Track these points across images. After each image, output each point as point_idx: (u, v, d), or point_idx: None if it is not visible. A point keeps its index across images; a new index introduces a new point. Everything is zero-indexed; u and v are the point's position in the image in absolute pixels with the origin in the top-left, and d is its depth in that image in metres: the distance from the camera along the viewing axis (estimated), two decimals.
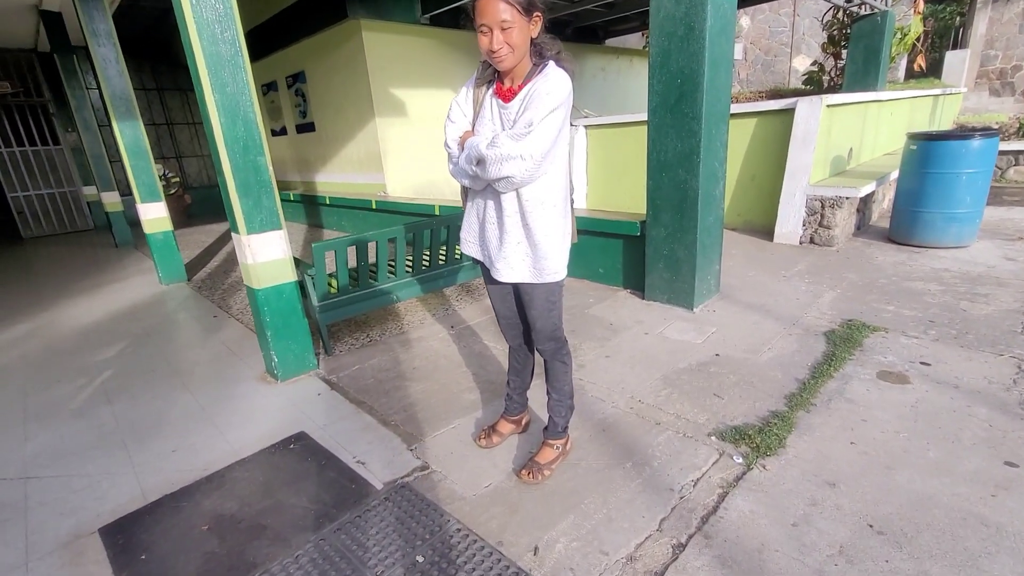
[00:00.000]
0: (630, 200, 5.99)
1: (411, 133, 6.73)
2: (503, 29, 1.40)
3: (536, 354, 2.00)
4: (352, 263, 3.15)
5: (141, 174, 4.75)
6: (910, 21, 7.62)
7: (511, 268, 1.64)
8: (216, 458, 2.13)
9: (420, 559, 1.54)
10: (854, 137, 5.43)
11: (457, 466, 1.97)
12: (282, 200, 8.46)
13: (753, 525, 1.60)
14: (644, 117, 5.80)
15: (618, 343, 2.96)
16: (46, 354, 3.47)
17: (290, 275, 2.66)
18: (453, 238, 3.53)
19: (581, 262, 4.08)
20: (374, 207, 6.27)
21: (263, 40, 7.49)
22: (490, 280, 1.81)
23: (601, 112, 7.28)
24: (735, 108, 5.21)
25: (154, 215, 4.86)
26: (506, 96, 1.55)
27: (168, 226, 4.98)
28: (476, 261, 1.81)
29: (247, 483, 1.95)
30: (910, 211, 4.31)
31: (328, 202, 7.22)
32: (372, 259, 3.37)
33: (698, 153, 3.05)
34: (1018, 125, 7.91)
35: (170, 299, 4.61)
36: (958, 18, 10.88)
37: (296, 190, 8.49)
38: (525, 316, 1.83)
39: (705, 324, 3.13)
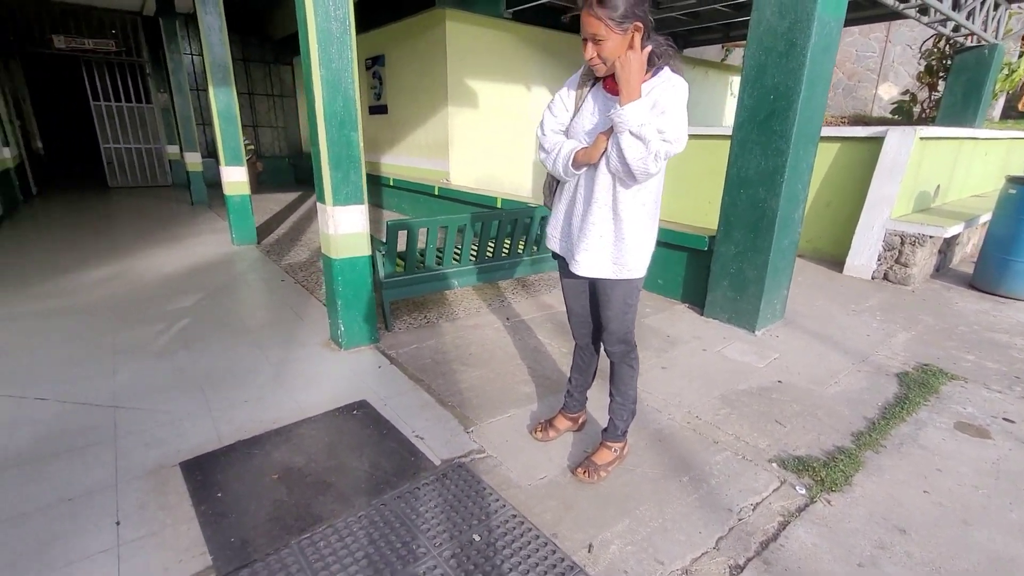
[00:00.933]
0: (693, 214, 5.87)
1: (480, 124, 6.81)
2: (595, 42, 1.45)
3: (601, 355, 2.00)
4: (421, 245, 3.23)
5: (229, 139, 5.01)
6: (1017, 57, 7.10)
7: (591, 261, 1.64)
8: (284, 414, 2.24)
9: (476, 538, 1.58)
10: (944, 174, 5.13)
11: (512, 455, 2.01)
12: None
13: (816, 559, 1.56)
14: (717, 131, 5.70)
15: (675, 356, 2.92)
16: (129, 297, 3.72)
17: (365, 249, 2.76)
18: (518, 232, 3.57)
19: None
20: (436, 193, 6.39)
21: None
22: (567, 274, 1.81)
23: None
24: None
25: (235, 178, 5.13)
26: (616, 92, 1.54)
27: (246, 190, 5.24)
28: (555, 256, 1.82)
29: (313, 441, 2.05)
30: (1000, 258, 4.04)
31: (391, 183, 7.41)
32: (439, 243, 3.44)
33: (782, 173, 2.96)
34: None
35: (241, 259, 4.85)
36: None
37: None
38: (598, 315, 1.83)
39: (767, 348, 3.04)
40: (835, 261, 4.83)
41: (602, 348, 1.91)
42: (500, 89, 6.85)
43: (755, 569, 1.52)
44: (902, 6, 4.54)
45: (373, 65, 7.95)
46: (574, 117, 1.65)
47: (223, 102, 4.87)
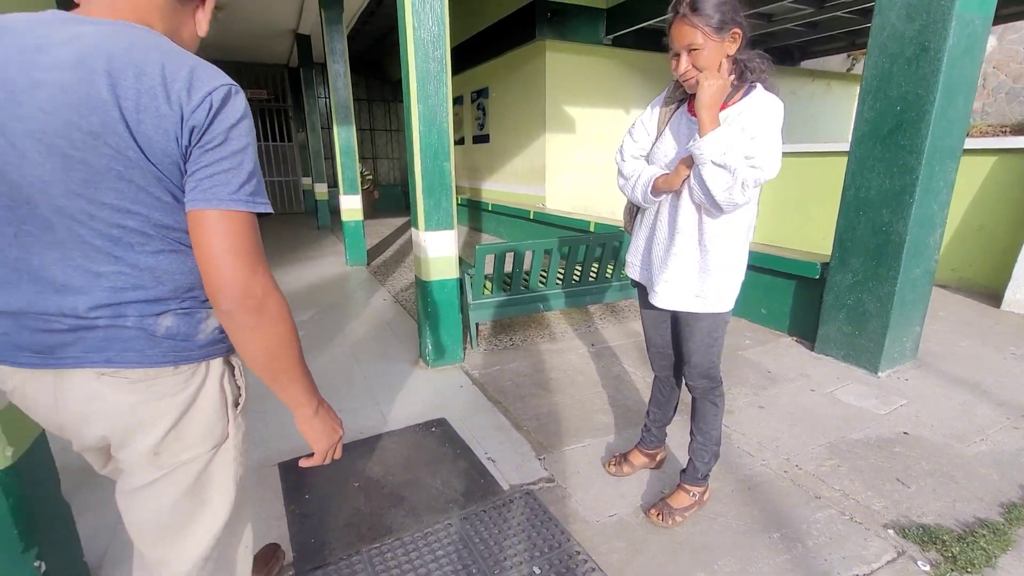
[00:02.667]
0: (802, 238, 5.35)
1: (576, 150, 6.86)
2: (691, 51, 1.36)
3: (683, 389, 1.88)
4: (508, 268, 3.31)
5: (347, 170, 5.58)
6: None
7: (673, 293, 1.55)
8: (370, 425, 2.39)
9: (537, 571, 1.55)
10: None
11: (583, 487, 1.94)
12: None
13: None
14: (834, 147, 5.17)
15: (775, 394, 2.65)
16: None
17: (454, 272, 2.89)
18: (607, 256, 3.50)
19: (741, 299, 3.72)
20: (531, 217, 6.52)
21: (457, 59, 8.29)
22: (646, 305, 1.74)
23: (784, 139, 6.63)
24: (967, 144, 4.36)
25: (351, 205, 5.68)
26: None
27: (360, 216, 5.77)
28: (635, 284, 1.76)
29: (393, 454, 2.16)
30: None
31: (490, 208, 7.70)
32: (527, 267, 3.49)
33: (912, 193, 2.60)
34: None
35: (352, 279, 5.32)
36: None
37: (464, 195, 9.22)
38: (679, 347, 1.73)
39: (892, 393, 2.64)
40: (989, 294, 4.09)
41: (684, 382, 1.80)
42: (598, 114, 6.86)
43: None
44: None
45: (478, 98, 8.41)
46: (656, 141, 1.59)
47: (344, 138, 5.45)
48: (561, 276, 3.41)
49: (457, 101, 9.21)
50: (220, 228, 0.77)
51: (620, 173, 1.65)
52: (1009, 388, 2.67)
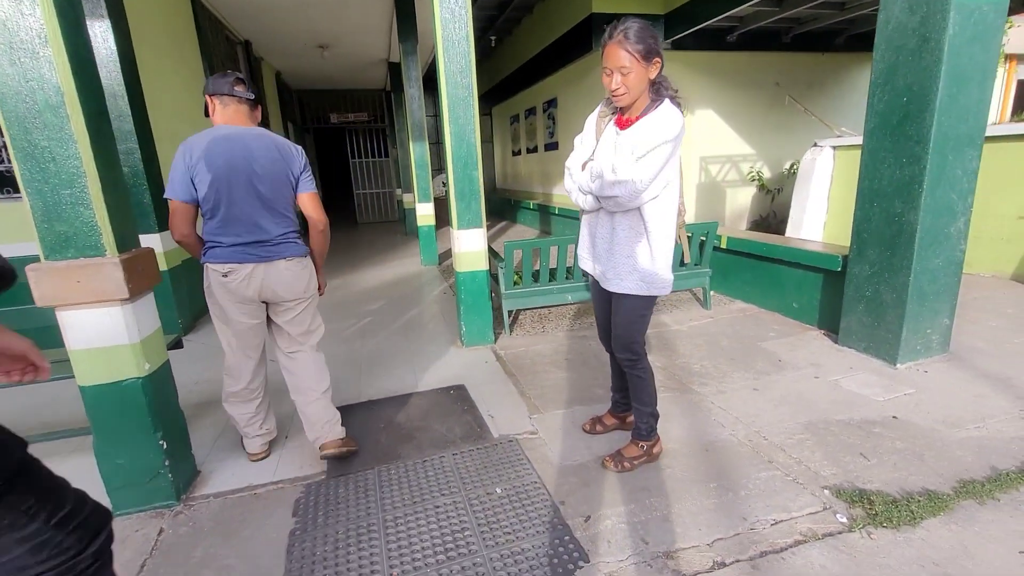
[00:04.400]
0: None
1: None
2: (623, 73, 1.64)
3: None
4: (543, 263, 3.71)
5: (421, 181, 6.33)
6: None
7: (619, 279, 1.84)
8: (404, 386, 2.93)
9: (499, 490, 1.95)
10: None
11: (559, 440, 2.30)
12: (522, 208, 9.78)
13: None
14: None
15: (775, 380, 2.77)
16: (344, 301, 5.05)
17: (483, 264, 3.36)
18: None
19: (775, 294, 3.79)
20: None
21: (530, 72, 8.83)
22: (595, 289, 2.06)
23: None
24: (1017, 129, 3.98)
25: (424, 212, 6.42)
26: (623, 125, 1.78)
27: (432, 221, 6.48)
28: (585, 274, 2.08)
29: (415, 408, 2.67)
30: None
31: (556, 212, 8.10)
32: (555, 262, 3.86)
33: (920, 183, 2.60)
34: None
35: (422, 276, 6.03)
36: None
37: (536, 200, 9.70)
38: (610, 324, 2.01)
39: (902, 383, 2.64)
40: None
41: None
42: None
43: (739, 570, 1.55)
44: None
45: (548, 108, 8.87)
46: (596, 149, 1.86)
47: (419, 153, 6.19)
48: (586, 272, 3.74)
49: (531, 112, 9.73)
50: (314, 199, 2.13)
51: (568, 178, 1.95)
52: None
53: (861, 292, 2.98)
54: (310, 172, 2.11)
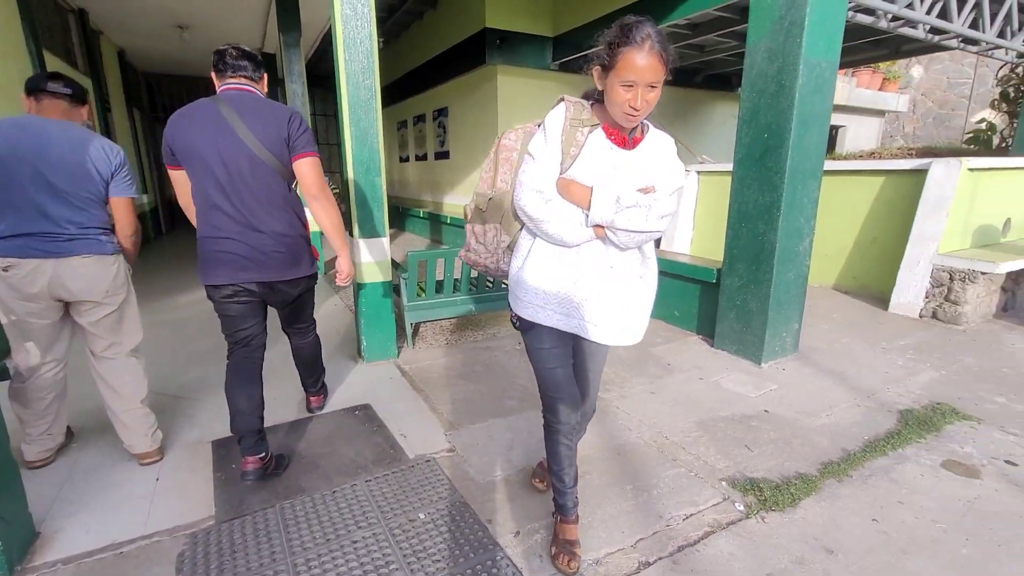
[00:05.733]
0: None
1: None
2: (652, 88, 1.30)
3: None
4: (441, 275, 3.64)
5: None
6: None
7: (636, 330, 1.51)
8: (303, 410, 2.66)
9: (422, 516, 1.85)
10: (1014, 208, 4.73)
11: (478, 454, 2.26)
12: (412, 216, 9.52)
13: (726, 564, 1.65)
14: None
15: (667, 383, 3.02)
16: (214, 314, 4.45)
17: (386, 276, 3.20)
18: None
19: (659, 303, 4.11)
20: None
21: (421, 79, 8.69)
22: (559, 344, 1.56)
23: (721, 159, 7.18)
24: (862, 165, 4.90)
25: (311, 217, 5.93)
26: (625, 144, 1.44)
27: (315, 228, 6.01)
28: (526, 326, 1.56)
29: (317, 432, 2.44)
30: None
31: (449, 221, 8.05)
32: (459, 273, 3.81)
33: (779, 207, 3.03)
34: None
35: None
36: None
37: (426, 208, 9.55)
38: (584, 380, 1.69)
39: (767, 380, 3.04)
40: (881, 299, 4.59)
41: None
42: None
43: (663, 567, 1.64)
44: (938, 38, 4.39)
45: (439, 116, 8.80)
46: (568, 165, 1.40)
47: None
48: (491, 282, 3.76)
49: (420, 119, 9.59)
50: (126, 205, 2.07)
51: (539, 210, 1.40)
52: (866, 376, 3.10)
53: (732, 301, 3.39)
54: (127, 176, 2.04)
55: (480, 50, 6.51)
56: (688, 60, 7.41)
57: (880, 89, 11.24)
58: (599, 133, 1.42)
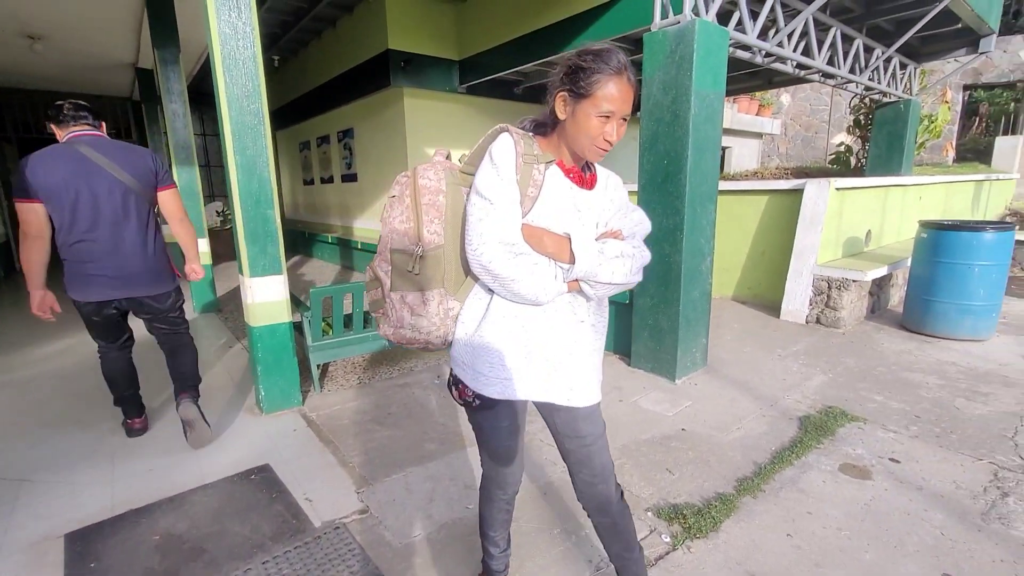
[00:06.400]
0: None
1: None
2: (624, 119, 1.18)
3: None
4: (349, 309, 3.39)
5: (190, 211, 5.28)
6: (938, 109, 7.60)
7: (591, 385, 1.31)
8: (185, 480, 2.30)
9: None
10: (873, 220, 5.38)
11: (394, 513, 2.06)
12: (321, 242, 8.96)
13: None
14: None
15: None
16: (74, 371, 3.82)
17: (285, 316, 2.91)
18: None
19: None
20: None
21: (323, 98, 8.29)
22: (517, 415, 1.38)
23: (626, 181, 7.53)
24: (749, 185, 5.32)
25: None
26: (586, 183, 1.29)
27: (208, 260, 5.45)
28: (480, 400, 1.31)
29: (202, 507, 2.11)
30: (922, 299, 4.20)
31: (359, 246, 7.68)
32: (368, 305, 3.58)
33: (681, 230, 3.17)
34: None
35: (198, 329, 4.99)
36: (1012, 103, 10.69)
37: (335, 233, 9.07)
38: (580, 454, 1.37)
39: (682, 397, 3.13)
40: (773, 307, 4.98)
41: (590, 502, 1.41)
42: (458, 155, 7.26)
43: None
44: (803, 72, 4.95)
45: (344, 137, 8.44)
46: (526, 206, 1.22)
47: (186, 179, 5.18)
48: None
49: (325, 140, 9.14)
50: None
51: (511, 262, 1.17)
52: (768, 384, 3.30)
53: (645, 321, 3.48)
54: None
55: (384, 71, 6.33)
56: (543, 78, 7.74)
57: (757, 114, 12.51)
58: (556, 171, 1.25)
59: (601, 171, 1.35)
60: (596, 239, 1.25)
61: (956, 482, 2.23)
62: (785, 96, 13.37)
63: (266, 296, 2.83)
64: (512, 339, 1.24)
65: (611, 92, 1.13)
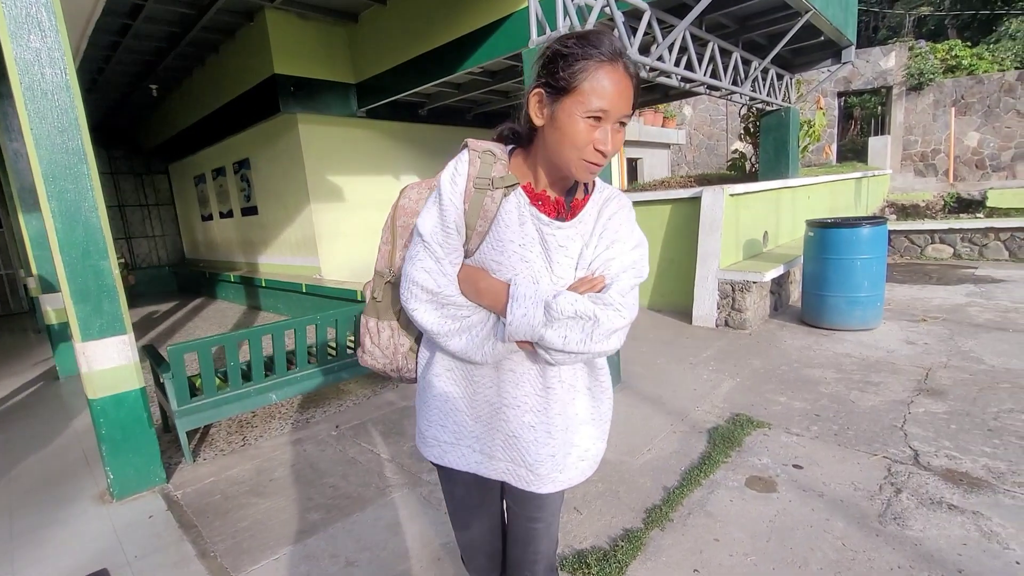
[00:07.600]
0: None
1: (348, 218, 6.81)
2: (621, 125, 0.92)
3: None
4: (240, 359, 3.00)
5: (46, 264, 4.62)
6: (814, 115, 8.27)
7: (560, 472, 1.05)
8: None
9: None
10: (768, 222, 5.64)
11: None
12: (223, 281, 8.29)
13: None
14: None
15: None
16: None
17: (133, 382, 2.49)
18: (351, 327, 3.42)
19: None
20: (304, 291, 6.19)
21: (213, 128, 7.70)
22: (473, 490, 1.15)
23: None
24: (655, 195, 5.41)
25: (56, 306, 4.68)
26: (564, 212, 1.00)
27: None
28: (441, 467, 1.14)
29: None
30: (816, 294, 4.39)
31: (264, 284, 7.13)
32: (247, 355, 3.20)
33: None
34: (943, 203, 8.43)
35: (59, 397, 4.32)
36: (879, 107, 11.91)
37: (239, 271, 8.41)
38: (523, 537, 1.18)
39: None
40: (686, 313, 5.05)
41: None
42: (366, 181, 6.95)
43: None
44: (689, 86, 5.15)
45: (240, 168, 7.88)
46: (476, 242, 0.99)
47: (35, 228, 4.53)
48: (314, 353, 3.22)
49: (220, 172, 8.50)
50: None
51: (436, 314, 0.98)
52: (680, 396, 3.25)
53: None
54: None
55: (272, 97, 5.94)
56: (496, 104, 7.72)
57: (663, 126, 13.12)
58: (518, 197, 0.97)
59: (598, 195, 1.03)
60: (570, 287, 0.97)
61: (854, 483, 2.22)
62: (687, 108, 14.15)
63: (106, 362, 2.41)
64: (457, 398, 1.04)
65: (602, 85, 0.86)
